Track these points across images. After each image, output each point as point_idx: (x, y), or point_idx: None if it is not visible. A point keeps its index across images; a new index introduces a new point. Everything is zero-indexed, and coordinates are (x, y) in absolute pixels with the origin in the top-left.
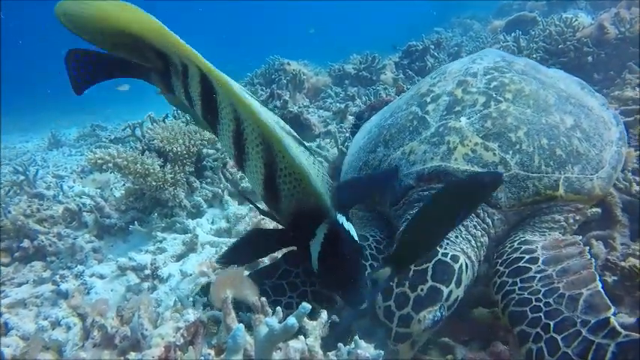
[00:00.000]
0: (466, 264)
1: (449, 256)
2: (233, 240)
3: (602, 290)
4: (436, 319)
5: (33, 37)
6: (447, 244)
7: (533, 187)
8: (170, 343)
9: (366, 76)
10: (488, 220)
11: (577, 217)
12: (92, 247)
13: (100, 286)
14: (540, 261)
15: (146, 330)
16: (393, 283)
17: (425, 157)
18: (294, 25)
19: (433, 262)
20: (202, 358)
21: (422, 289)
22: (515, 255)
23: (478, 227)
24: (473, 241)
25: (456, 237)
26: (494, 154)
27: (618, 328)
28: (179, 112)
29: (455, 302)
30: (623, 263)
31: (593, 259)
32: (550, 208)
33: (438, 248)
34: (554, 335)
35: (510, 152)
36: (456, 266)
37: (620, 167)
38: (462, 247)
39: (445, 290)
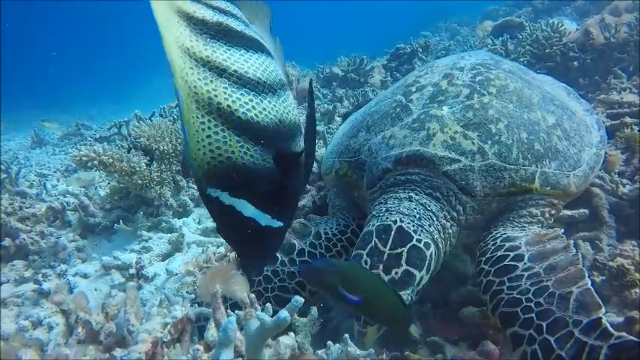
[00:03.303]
0: (435, 252)
1: (422, 242)
2: (220, 240)
3: (591, 288)
4: (407, 302)
5: (25, 37)
6: (421, 231)
7: (509, 179)
8: (157, 338)
9: (354, 78)
10: (459, 208)
11: (552, 212)
12: (76, 246)
13: (83, 285)
14: (526, 258)
15: (132, 326)
16: (366, 264)
17: (404, 142)
18: (281, 26)
19: (408, 247)
20: (191, 353)
21: (396, 273)
22: (499, 253)
23: (448, 217)
24: (442, 232)
25: (429, 225)
26: (473, 142)
27: (610, 329)
28: (166, 110)
29: (423, 287)
30: (611, 263)
31: (580, 255)
32: (526, 202)
33: (412, 234)
34: (548, 337)
35: (489, 142)
36: (428, 253)
37: (597, 169)
38: (434, 236)
39: (418, 275)
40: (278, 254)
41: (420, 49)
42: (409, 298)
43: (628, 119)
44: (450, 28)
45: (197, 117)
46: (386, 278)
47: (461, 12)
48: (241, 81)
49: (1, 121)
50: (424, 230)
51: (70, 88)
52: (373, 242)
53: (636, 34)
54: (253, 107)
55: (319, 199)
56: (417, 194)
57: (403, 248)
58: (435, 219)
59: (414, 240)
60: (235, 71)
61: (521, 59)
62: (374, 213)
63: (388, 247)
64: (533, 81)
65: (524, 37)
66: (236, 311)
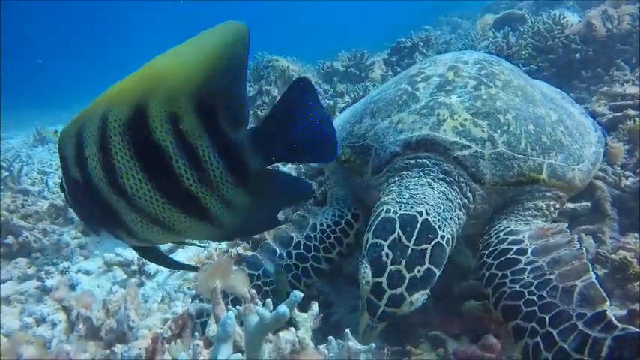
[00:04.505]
0: (451, 247)
1: (445, 239)
2: None
3: (596, 281)
4: (425, 301)
5: (25, 35)
6: (445, 225)
7: (518, 168)
8: (157, 334)
9: (355, 72)
10: (470, 195)
11: (557, 206)
12: (78, 243)
13: (86, 282)
14: (529, 251)
15: (133, 322)
16: (388, 257)
17: (414, 127)
18: (281, 26)
19: (433, 244)
20: (191, 349)
21: (419, 271)
22: (502, 246)
23: (460, 205)
24: (458, 223)
25: (450, 218)
26: (483, 130)
27: (615, 321)
28: None
29: (435, 282)
30: (613, 256)
31: (584, 249)
32: (532, 193)
33: (437, 229)
34: (550, 329)
35: (499, 131)
36: (447, 249)
37: (597, 166)
38: (452, 230)
39: (438, 273)
40: (276, 247)
41: (421, 43)
42: (427, 296)
43: (630, 111)
44: (452, 22)
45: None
46: (408, 276)
47: (462, 7)
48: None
49: (1, 119)
50: (447, 224)
51: (71, 87)
52: (397, 234)
53: (639, 25)
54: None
55: (320, 195)
56: (434, 181)
57: (428, 245)
58: (453, 210)
59: (439, 237)
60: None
61: (523, 52)
62: (393, 196)
63: (413, 241)
64: (531, 81)
65: (526, 30)
66: (237, 307)
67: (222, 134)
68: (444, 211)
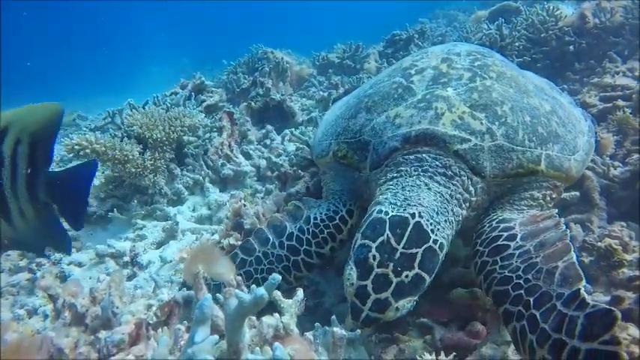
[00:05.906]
0: (446, 251)
1: (438, 243)
2: (214, 227)
3: (575, 261)
4: (412, 308)
5: (25, 33)
6: (438, 229)
7: (517, 160)
8: (141, 320)
9: (350, 64)
10: (471, 189)
11: (554, 196)
12: (70, 235)
13: (78, 273)
14: (518, 237)
15: (117, 308)
16: (374, 260)
17: (412, 121)
18: (280, 26)
19: (423, 248)
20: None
21: (407, 276)
22: (493, 234)
23: (461, 200)
24: (454, 222)
25: (445, 221)
26: (482, 123)
27: (587, 299)
28: (159, 99)
29: (424, 289)
30: (599, 244)
31: (568, 231)
32: (530, 184)
33: (429, 233)
34: (534, 312)
35: (497, 123)
36: (441, 255)
37: (590, 155)
38: (447, 232)
39: (428, 280)
40: (270, 235)
41: (417, 36)
42: (414, 303)
43: (620, 102)
44: (448, 15)
45: None
46: (394, 280)
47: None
48: None
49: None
50: (440, 228)
51: (69, 81)
52: (386, 236)
53: (632, 17)
54: None
55: (313, 185)
56: (432, 179)
57: (418, 249)
58: (449, 211)
59: (431, 241)
60: None
61: (517, 44)
62: (387, 196)
63: (402, 245)
64: (522, 72)
65: (520, 22)
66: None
67: (33, 164)
68: (437, 213)
